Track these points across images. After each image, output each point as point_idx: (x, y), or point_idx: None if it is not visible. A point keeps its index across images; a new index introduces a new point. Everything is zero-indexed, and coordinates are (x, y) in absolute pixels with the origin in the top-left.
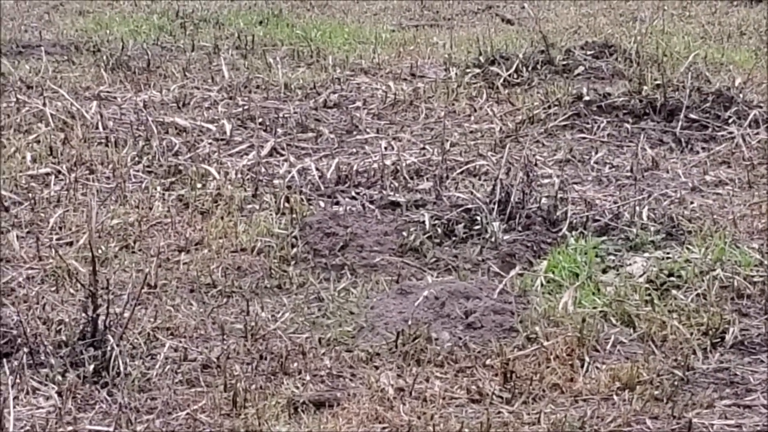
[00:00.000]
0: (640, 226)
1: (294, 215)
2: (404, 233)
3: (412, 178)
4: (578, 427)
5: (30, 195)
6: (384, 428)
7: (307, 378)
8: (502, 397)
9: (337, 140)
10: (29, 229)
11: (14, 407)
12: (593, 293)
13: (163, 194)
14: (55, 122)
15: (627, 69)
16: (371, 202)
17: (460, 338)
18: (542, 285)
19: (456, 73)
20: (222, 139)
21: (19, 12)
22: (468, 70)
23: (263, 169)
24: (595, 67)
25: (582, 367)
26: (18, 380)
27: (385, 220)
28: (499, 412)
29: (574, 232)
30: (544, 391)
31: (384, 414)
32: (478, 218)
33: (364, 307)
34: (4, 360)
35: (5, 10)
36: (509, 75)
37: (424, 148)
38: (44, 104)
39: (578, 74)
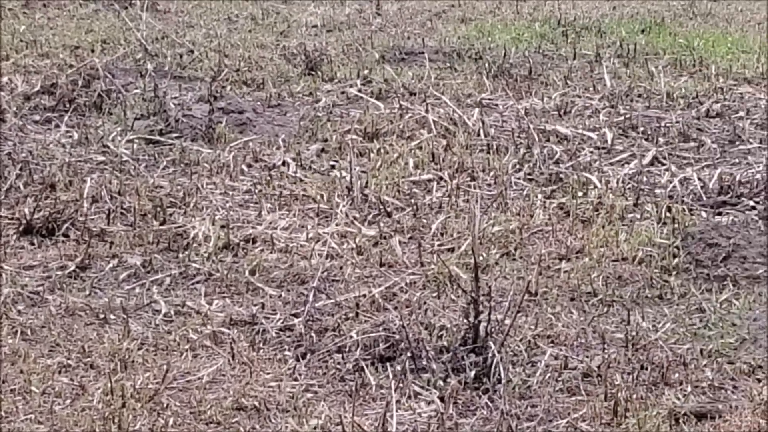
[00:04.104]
0: None
1: (676, 225)
2: None
3: None
4: None
5: (412, 201)
6: None
7: (689, 389)
8: None
9: (719, 150)
10: (411, 234)
11: (397, 411)
12: None
13: (544, 202)
14: (437, 129)
15: None
16: (754, 213)
17: None
18: None
19: None
20: (603, 148)
21: (402, 19)
22: None
23: (644, 179)
24: None
25: None
26: (401, 384)
27: None
28: None
29: None
30: None
31: (767, 427)
32: None
33: (747, 318)
34: (388, 364)
35: (389, 16)
36: None
37: None
38: (426, 111)
39: None
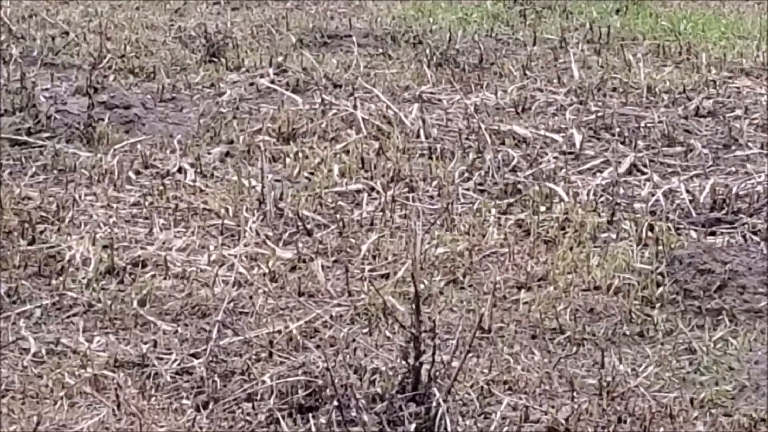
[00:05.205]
0: None
1: (659, 247)
2: None
3: None
4: None
5: (338, 216)
6: None
7: None
8: None
9: (711, 156)
10: (336, 257)
11: None
12: None
13: (499, 218)
14: (368, 128)
15: None
16: (755, 233)
17: None
18: None
19: None
20: (570, 153)
21: None
22: None
23: (621, 190)
24: None
25: None
26: None
27: None
28: None
29: None
30: None
31: None
32: None
33: (747, 361)
34: (310, 415)
35: None
36: None
37: None
38: (355, 107)
39: None
